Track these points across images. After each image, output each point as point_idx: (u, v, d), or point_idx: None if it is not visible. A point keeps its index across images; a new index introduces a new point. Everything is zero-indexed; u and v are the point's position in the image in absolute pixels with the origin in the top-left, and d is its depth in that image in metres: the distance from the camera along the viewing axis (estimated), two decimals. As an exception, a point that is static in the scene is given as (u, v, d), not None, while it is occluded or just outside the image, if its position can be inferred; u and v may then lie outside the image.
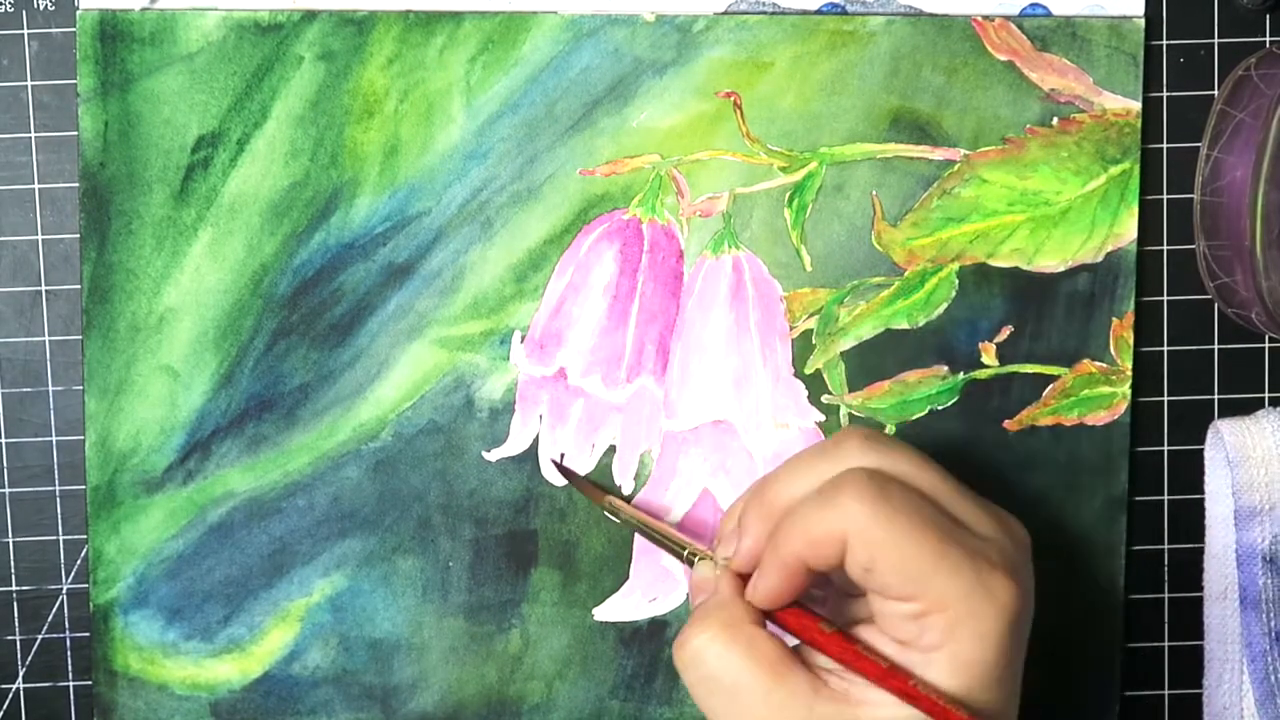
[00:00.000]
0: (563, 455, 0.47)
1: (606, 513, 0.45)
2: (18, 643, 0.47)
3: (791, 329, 0.47)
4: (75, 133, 0.46)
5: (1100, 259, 0.46)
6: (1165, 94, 0.47)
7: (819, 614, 0.39)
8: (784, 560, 0.37)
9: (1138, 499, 0.48)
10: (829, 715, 0.37)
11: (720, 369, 0.47)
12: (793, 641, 0.39)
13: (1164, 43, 0.47)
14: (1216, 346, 0.48)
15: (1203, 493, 0.47)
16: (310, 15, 0.45)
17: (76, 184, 0.46)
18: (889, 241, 0.47)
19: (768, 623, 0.39)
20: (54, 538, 0.47)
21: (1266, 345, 0.48)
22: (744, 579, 0.39)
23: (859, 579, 0.37)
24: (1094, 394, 0.47)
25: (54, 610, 0.47)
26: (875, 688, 0.37)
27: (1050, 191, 0.46)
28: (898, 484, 0.37)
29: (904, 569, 0.36)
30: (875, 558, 0.36)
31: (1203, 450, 0.47)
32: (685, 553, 0.42)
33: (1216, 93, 0.47)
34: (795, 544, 0.37)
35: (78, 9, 0.45)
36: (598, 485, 0.46)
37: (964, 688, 0.36)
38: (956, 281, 0.47)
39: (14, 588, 0.47)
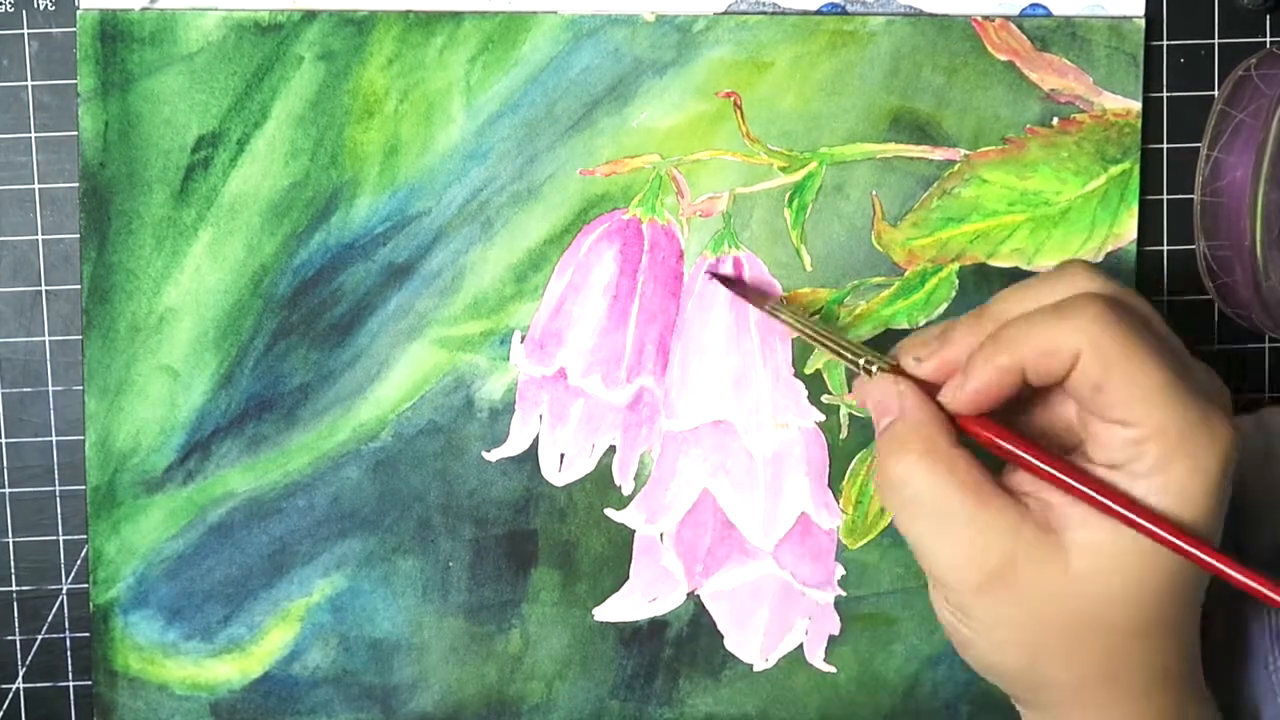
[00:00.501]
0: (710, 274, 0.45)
1: (770, 315, 0.43)
2: (18, 643, 0.47)
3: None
4: (75, 133, 0.46)
5: (1100, 259, 0.46)
6: (1165, 94, 0.47)
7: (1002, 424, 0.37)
8: (1002, 365, 0.36)
9: (1138, 499, 0.48)
10: (1033, 537, 0.36)
11: (720, 369, 0.47)
12: None
13: (1164, 43, 0.47)
14: (1216, 346, 0.48)
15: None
16: (310, 15, 0.45)
17: (76, 184, 0.46)
18: (889, 241, 0.47)
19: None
20: (54, 538, 0.47)
21: (1266, 345, 0.48)
22: (929, 392, 0.38)
23: (1083, 397, 0.36)
24: (1094, 394, 0.47)
25: (54, 610, 0.47)
26: (1075, 508, 0.36)
27: (1050, 191, 0.46)
28: (1133, 312, 0.36)
29: (1135, 391, 0.35)
30: (1109, 375, 0.35)
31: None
32: (861, 361, 0.39)
33: (1216, 93, 0.47)
34: (1022, 349, 0.36)
35: (78, 9, 0.45)
36: (757, 290, 0.44)
37: (1174, 514, 0.35)
38: (956, 282, 0.47)
39: (14, 588, 0.47)
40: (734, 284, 0.46)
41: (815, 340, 0.42)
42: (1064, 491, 0.36)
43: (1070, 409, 0.38)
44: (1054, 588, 0.36)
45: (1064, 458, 0.37)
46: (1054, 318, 0.36)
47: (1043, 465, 0.36)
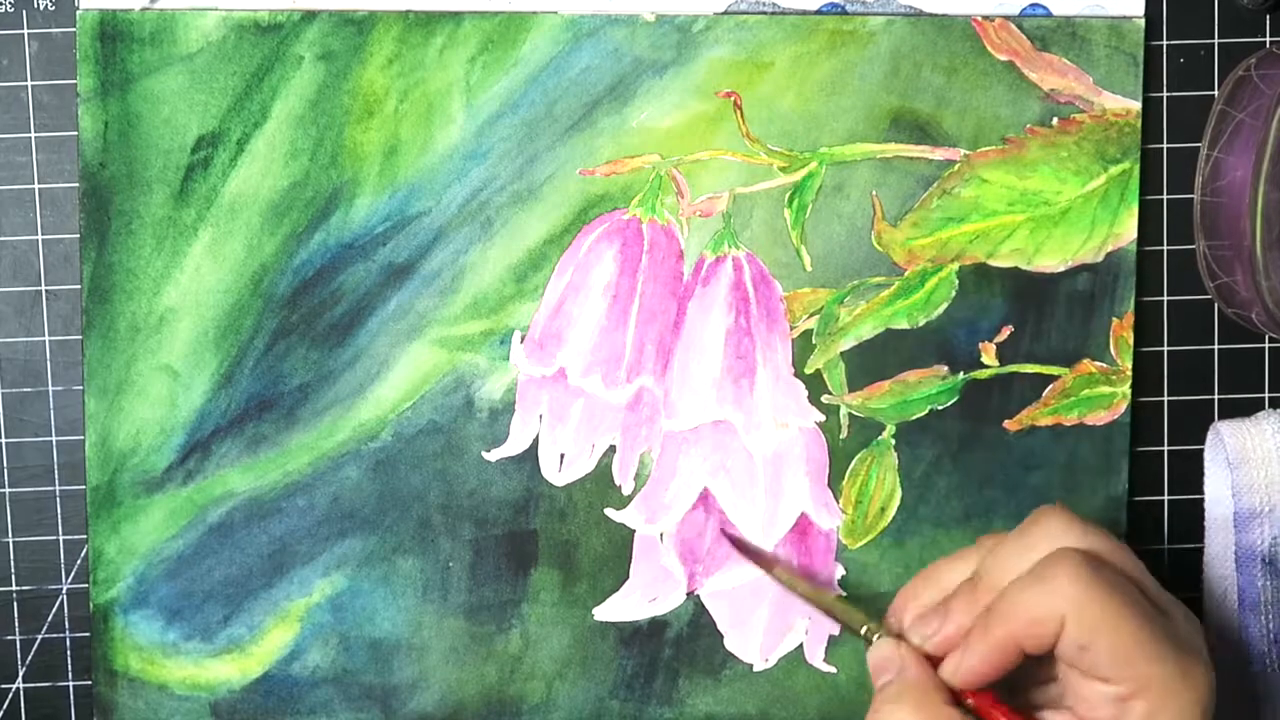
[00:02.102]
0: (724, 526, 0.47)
1: (775, 580, 0.45)
2: (18, 643, 0.47)
3: (791, 329, 0.47)
4: (75, 133, 0.46)
5: (1100, 259, 0.46)
6: (1165, 94, 0.47)
7: (1003, 700, 0.39)
8: (997, 640, 0.38)
9: (1138, 499, 0.48)
10: None
11: (720, 369, 0.47)
12: None
13: (1164, 43, 0.47)
14: (1216, 346, 0.48)
15: (1202, 493, 0.47)
16: (310, 15, 0.45)
17: (76, 184, 0.46)
18: (889, 241, 0.47)
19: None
20: (54, 538, 0.47)
21: (1266, 345, 0.48)
22: (932, 662, 0.40)
23: (1069, 658, 0.37)
24: (1094, 394, 0.47)
25: (54, 610, 0.47)
26: None
27: (1050, 191, 0.46)
28: (1109, 566, 0.38)
29: (1117, 650, 0.36)
30: (1092, 638, 0.36)
31: (1202, 450, 0.47)
32: (863, 630, 0.41)
33: (1216, 93, 0.47)
34: (1012, 624, 0.37)
35: (78, 9, 0.45)
36: (767, 554, 0.46)
37: None
38: (956, 281, 0.47)
39: (14, 588, 0.47)
40: (745, 548, 0.46)
41: (821, 609, 0.44)
42: None
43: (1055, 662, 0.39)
44: None
45: None
46: (1035, 586, 0.37)
47: None
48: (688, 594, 0.47)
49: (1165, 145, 0.47)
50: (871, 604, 0.47)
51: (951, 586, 0.40)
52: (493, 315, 0.46)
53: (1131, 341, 0.47)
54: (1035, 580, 0.37)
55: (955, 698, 0.39)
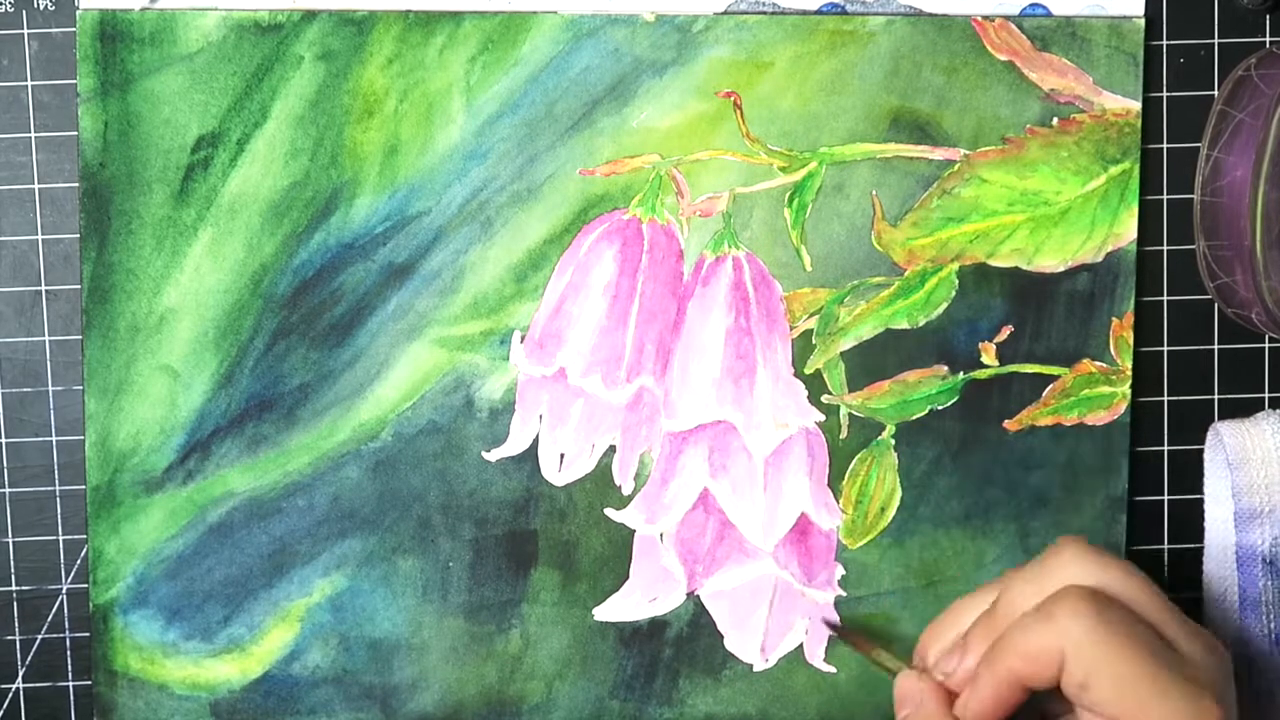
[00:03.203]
0: (824, 623, 0.47)
1: (874, 661, 0.45)
2: (18, 643, 0.47)
3: (791, 329, 0.47)
4: (75, 133, 0.46)
5: (1100, 259, 0.46)
6: (1165, 94, 0.47)
7: None
8: (999, 676, 0.38)
9: (1138, 499, 0.48)
10: None
11: (720, 369, 0.47)
12: None
13: (1164, 43, 0.47)
14: (1216, 346, 0.48)
15: (1202, 493, 0.47)
16: (310, 15, 0.45)
17: (76, 184, 0.46)
18: (889, 241, 0.47)
19: None
20: (54, 538, 0.47)
21: (1266, 345, 0.48)
22: (951, 694, 0.40)
23: (1073, 695, 0.37)
24: (1094, 394, 0.47)
25: (54, 610, 0.47)
26: None
27: (1050, 191, 0.46)
28: (1116, 603, 0.38)
29: (1118, 689, 0.36)
30: (1091, 676, 0.36)
31: (1202, 450, 0.47)
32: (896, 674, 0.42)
33: (1216, 93, 0.47)
34: (1012, 659, 0.37)
35: (78, 9, 0.45)
36: (868, 638, 0.46)
37: None
38: (956, 281, 0.47)
39: (14, 588, 0.47)
40: (846, 633, 0.46)
41: (878, 664, 0.44)
42: None
43: None
44: None
45: None
46: (1036, 622, 0.37)
47: None
48: (688, 594, 0.47)
49: (1165, 145, 0.47)
50: (873, 603, 0.47)
51: (998, 619, 0.40)
52: (493, 315, 0.46)
53: (1131, 341, 0.47)
54: (1039, 617, 0.37)
55: None
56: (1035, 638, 0.37)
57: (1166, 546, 0.48)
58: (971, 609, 0.41)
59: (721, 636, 0.47)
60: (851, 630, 0.47)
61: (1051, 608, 0.37)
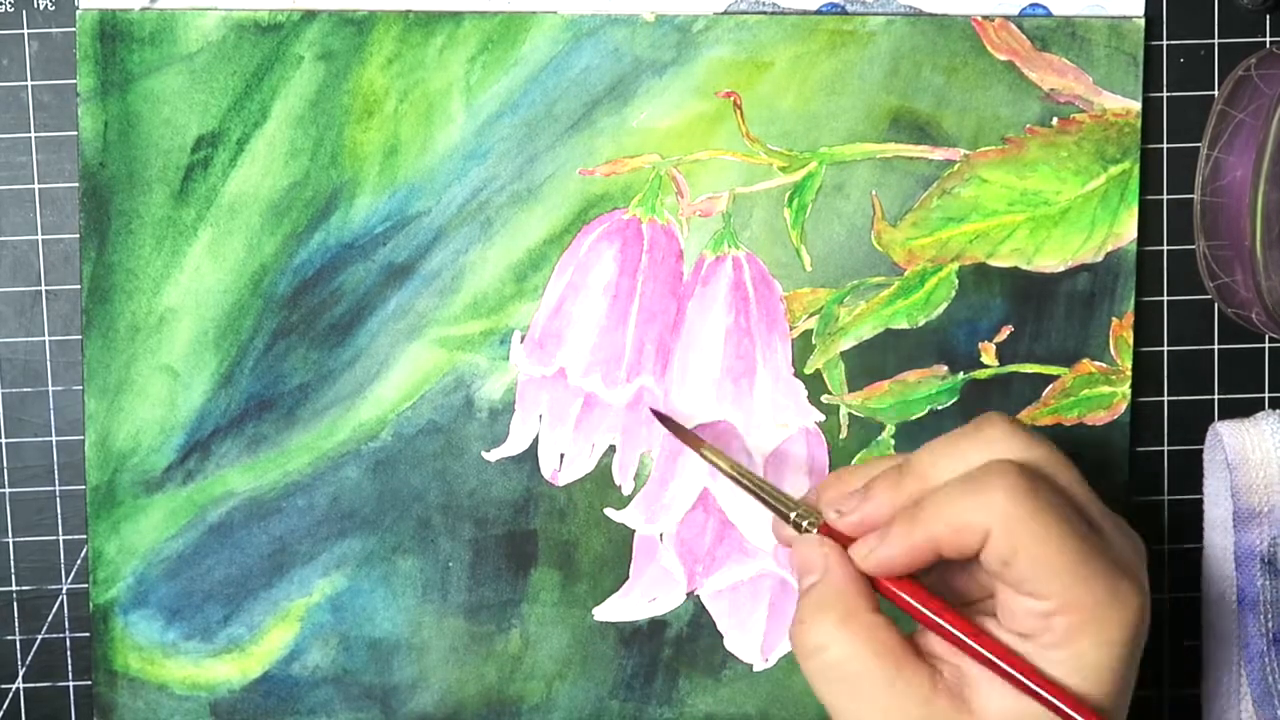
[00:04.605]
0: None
1: (706, 459, 0.43)
2: (18, 643, 0.47)
3: (791, 329, 0.47)
4: (75, 133, 0.46)
5: (1100, 259, 0.46)
6: (1165, 94, 0.47)
7: (927, 590, 0.38)
8: (915, 537, 0.37)
9: (1137, 499, 0.48)
10: (946, 706, 0.36)
11: (720, 369, 0.47)
12: None
13: (1164, 43, 0.47)
14: (1216, 346, 0.48)
15: (1202, 493, 0.47)
16: (310, 15, 0.45)
17: (76, 184, 0.46)
18: (889, 241, 0.47)
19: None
20: (54, 538, 0.47)
21: (1266, 345, 0.48)
22: (844, 542, 0.38)
23: (993, 570, 0.36)
24: (1094, 394, 0.47)
25: (54, 610, 0.47)
26: (987, 679, 0.36)
27: (1050, 191, 0.46)
28: (1047, 481, 0.37)
29: (1044, 567, 0.35)
30: (1018, 553, 0.35)
31: (1202, 450, 0.47)
32: (793, 516, 0.40)
33: (1216, 93, 0.47)
34: (935, 526, 0.36)
35: (78, 9, 0.45)
36: (693, 433, 0.45)
37: (1080, 689, 0.36)
38: (956, 281, 0.47)
39: (14, 588, 0.47)
40: (673, 426, 0.45)
41: (750, 490, 0.42)
42: (974, 660, 0.37)
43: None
44: None
45: (975, 624, 0.37)
46: (964, 493, 0.36)
47: (954, 632, 0.37)
48: (688, 594, 0.47)
49: (1165, 145, 0.47)
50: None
51: (911, 477, 0.38)
52: (493, 315, 0.46)
53: (1131, 341, 0.47)
54: (967, 488, 0.36)
55: (877, 593, 0.38)
56: (962, 508, 0.36)
57: (1166, 546, 0.48)
58: (876, 466, 0.40)
59: (721, 636, 0.47)
60: (682, 426, 0.45)
61: (981, 481, 0.36)
